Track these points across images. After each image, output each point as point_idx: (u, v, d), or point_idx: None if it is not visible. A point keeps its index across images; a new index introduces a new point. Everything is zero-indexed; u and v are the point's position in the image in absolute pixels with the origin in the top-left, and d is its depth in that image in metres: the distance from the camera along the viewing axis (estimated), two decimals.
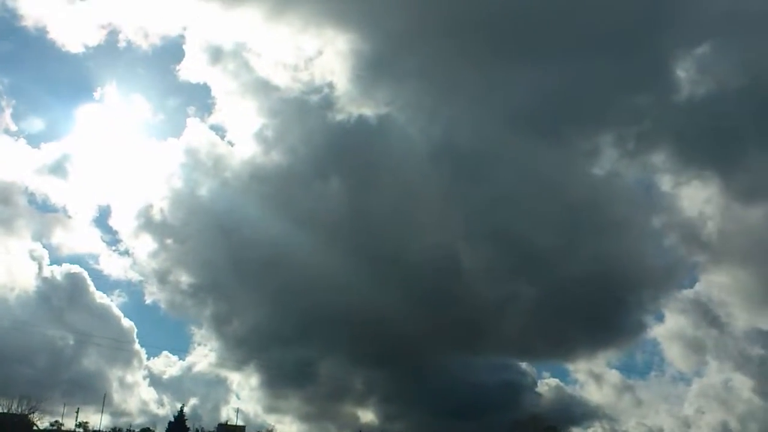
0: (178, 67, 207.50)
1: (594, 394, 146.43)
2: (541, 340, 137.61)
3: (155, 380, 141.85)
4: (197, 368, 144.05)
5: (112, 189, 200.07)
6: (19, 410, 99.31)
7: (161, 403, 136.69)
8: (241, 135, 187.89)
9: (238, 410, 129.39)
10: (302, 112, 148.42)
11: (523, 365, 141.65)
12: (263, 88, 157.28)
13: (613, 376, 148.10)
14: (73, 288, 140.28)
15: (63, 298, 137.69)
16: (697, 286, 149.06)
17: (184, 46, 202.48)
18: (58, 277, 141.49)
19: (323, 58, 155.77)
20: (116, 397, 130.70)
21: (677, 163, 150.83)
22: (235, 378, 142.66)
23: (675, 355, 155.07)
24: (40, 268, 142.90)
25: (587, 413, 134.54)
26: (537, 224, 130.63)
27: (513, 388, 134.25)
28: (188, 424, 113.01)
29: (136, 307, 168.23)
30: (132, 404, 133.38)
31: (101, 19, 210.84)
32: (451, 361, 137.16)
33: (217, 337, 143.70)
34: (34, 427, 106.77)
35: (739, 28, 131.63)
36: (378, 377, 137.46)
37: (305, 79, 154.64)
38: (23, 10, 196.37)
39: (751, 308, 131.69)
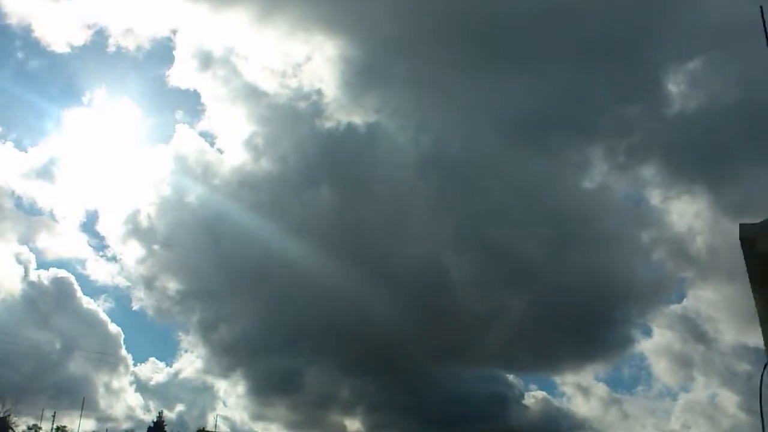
0: (167, 73, 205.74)
1: (581, 406, 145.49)
2: (529, 353, 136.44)
3: (142, 386, 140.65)
4: (184, 374, 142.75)
5: (100, 194, 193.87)
6: None
7: (147, 409, 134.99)
8: (230, 142, 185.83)
9: (217, 416, 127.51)
10: (291, 119, 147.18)
11: (510, 377, 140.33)
12: (252, 94, 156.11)
13: (601, 389, 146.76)
14: (60, 292, 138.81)
15: (49, 302, 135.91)
16: (685, 302, 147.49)
17: (174, 52, 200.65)
18: (45, 281, 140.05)
19: (312, 64, 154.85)
20: (102, 402, 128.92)
21: (667, 178, 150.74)
22: (221, 385, 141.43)
23: (662, 369, 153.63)
24: (27, 271, 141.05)
25: (574, 426, 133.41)
26: (526, 236, 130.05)
27: (500, 400, 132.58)
28: (172, 430, 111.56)
29: (123, 312, 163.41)
30: (118, 410, 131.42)
31: (87, 18, 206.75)
32: (439, 372, 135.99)
33: (204, 344, 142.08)
34: (9, 431, 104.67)
35: (732, 43, 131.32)
36: (365, 387, 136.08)
37: (294, 85, 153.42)
38: (8, 8, 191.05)
39: (739, 324, 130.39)
